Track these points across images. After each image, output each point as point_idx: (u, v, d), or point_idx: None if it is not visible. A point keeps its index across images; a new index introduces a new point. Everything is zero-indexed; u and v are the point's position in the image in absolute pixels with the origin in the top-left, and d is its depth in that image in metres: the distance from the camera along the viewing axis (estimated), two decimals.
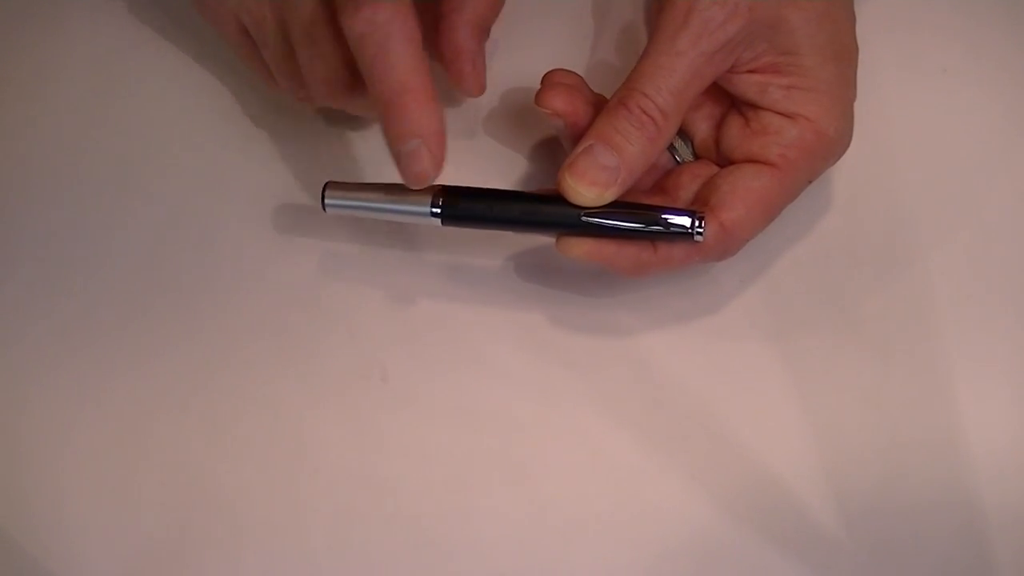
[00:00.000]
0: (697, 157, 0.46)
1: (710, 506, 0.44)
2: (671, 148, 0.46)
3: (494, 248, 0.48)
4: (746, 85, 0.43)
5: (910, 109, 0.49)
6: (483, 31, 0.47)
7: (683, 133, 0.46)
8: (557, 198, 0.42)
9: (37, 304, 0.48)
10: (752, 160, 0.43)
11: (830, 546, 0.44)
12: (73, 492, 0.45)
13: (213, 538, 0.45)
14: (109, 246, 0.49)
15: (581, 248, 0.43)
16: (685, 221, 0.42)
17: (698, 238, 0.42)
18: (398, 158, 0.41)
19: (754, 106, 0.43)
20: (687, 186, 0.44)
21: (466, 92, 0.47)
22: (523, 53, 0.50)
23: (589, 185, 0.41)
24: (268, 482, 0.45)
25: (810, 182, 0.44)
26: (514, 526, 0.45)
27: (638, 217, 0.42)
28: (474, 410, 0.46)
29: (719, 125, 0.45)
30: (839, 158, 0.44)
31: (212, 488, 0.45)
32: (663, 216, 0.42)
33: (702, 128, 0.45)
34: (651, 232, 0.42)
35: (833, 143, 0.43)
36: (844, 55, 0.43)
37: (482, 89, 0.47)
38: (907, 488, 0.44)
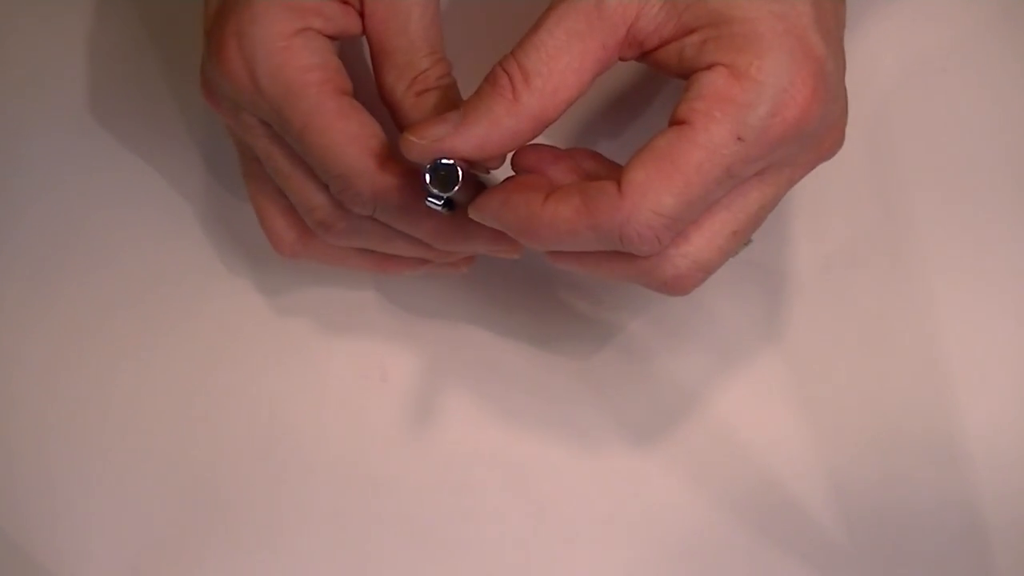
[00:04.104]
0: None
1: (710, 506, 0.44)
2: None
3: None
4: (666, 57, 0.38)
5: (910, 109, 0.49)
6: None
7: None
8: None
9: (35, 298, 0.48)
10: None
11: (830, 546, 0.44)
12: (71, 491, 0.46)
13: (212, 537, 0.45)
14: (112, 246, 0.49)
15: (483, 209, 0.38)
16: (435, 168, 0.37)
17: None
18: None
19: (682, 77, 0.38)
20: None
21: None
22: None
23: (419, 134, 0.37)
24: (268, 481, 0.45)
25: (740, 139, 0.36)
26: (514, 526, 0.45)
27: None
28: (474, 410, 0.46)
29: None
30: (798, 110, 0.36)
31: (211, 487, 0.45)
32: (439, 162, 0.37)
33: None
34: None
35: (760, 85, 0.36)
36: (792, 13, 0.37)
37: None
38: (907, 488, 0.45)
